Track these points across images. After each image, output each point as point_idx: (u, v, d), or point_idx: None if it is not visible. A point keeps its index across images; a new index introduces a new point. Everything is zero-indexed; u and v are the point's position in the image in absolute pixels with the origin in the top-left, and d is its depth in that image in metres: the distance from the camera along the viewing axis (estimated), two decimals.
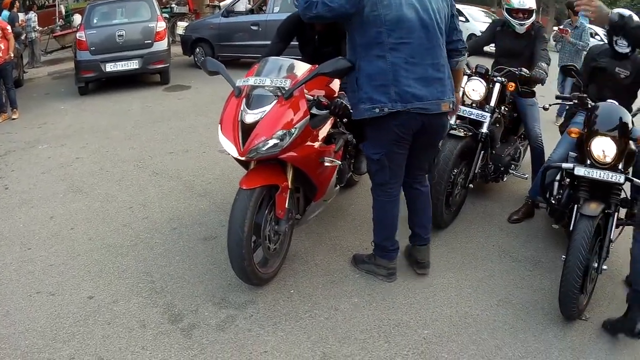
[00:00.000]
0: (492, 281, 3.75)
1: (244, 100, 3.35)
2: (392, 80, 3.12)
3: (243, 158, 3.29)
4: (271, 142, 3.18)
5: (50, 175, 6.07)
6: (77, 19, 15.03)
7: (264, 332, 3.23)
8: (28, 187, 5.74)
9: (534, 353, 3.08)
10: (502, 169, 4.84)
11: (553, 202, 3.85)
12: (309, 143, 3.44)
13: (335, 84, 3.90)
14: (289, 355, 3.04)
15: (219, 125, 3.40)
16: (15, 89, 9.25)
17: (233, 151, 3.28)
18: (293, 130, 3.23)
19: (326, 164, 3.58)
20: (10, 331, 3.33)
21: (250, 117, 3.26)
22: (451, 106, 3.33)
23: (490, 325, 3.31)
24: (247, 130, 3.23)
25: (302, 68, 3.56)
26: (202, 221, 4.68)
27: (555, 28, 10.55)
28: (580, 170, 3.40)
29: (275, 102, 3.27)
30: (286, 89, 3.29)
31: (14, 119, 8.85)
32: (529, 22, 4.82)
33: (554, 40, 8.97)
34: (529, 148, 5.10)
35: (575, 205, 3.44)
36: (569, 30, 8.13)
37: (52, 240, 4.50)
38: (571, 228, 3.29)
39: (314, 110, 3.43)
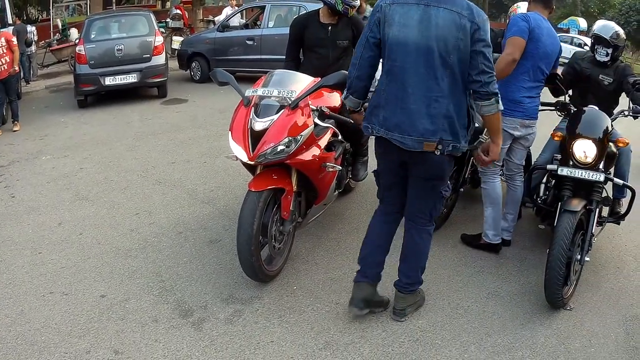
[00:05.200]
0: (481, 276, 3.94)
1: (253, 109, 3.60)
2: (383, 103, 3.01)
3: (252, 162, 3.54)
4: (278, 148, 3.43)
5: (55, 184, 6.18)
6: (74, 33, 15.18)
7: (270, 324, 3.43)
8: (34, 196, 5.84)
9: (521, 339, 3.29)
10: None
11: (539, 202, 4.12)
12: (312, 150, 3.68)
13: (336, 97, 4.14)
14: (294, 344, 3.24)
15: (229, 132, 3.64)
16: (17, 102, 9.37)
17: (243, 156, 3.52)
18: (299, 137, 3.48)
19: (328, 169, 3.83)
20: (26, 328, 3.47)
21: (259, 124, 3.51)
22: (444, 149, 2.94)
23: (480, 316, 3.52)
24: (256, 137, 3.48)
25: (306, 80, 3.83)
26: (206, 226, 4.85)
27: None
28: (563, 171, 3.67)
29: (282, 111, 3.52)
30: (292, 99, 3.54)
31: (15, 130, 8.92)
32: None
33: None
34: None
35: (560, 203, 3.67)
36: None
37: (62, 244, 4.63)
38: (555, 223, 3.52)
39: (317, 120, 3.68)
